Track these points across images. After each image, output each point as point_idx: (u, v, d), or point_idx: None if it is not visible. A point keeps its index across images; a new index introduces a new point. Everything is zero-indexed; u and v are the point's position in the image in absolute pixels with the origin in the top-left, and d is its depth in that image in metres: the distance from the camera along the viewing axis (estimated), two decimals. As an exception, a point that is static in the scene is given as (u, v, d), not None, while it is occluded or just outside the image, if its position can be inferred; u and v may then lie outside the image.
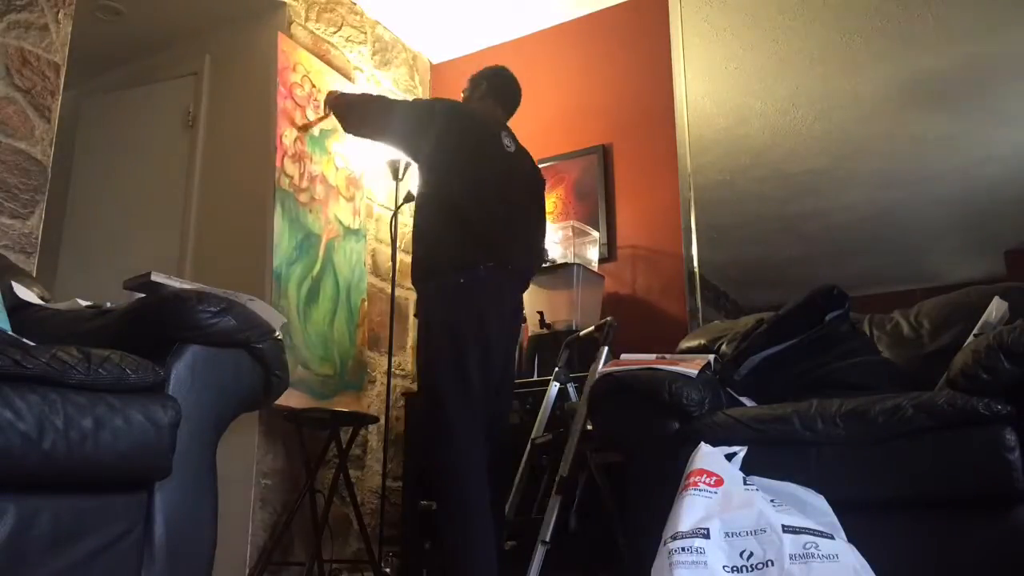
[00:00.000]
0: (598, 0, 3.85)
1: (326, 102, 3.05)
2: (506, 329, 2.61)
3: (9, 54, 2.49)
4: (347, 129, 2.93)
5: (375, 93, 3.25)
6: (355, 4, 3.86)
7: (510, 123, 2.88)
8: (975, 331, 2.13)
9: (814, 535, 1.61)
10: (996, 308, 2.14)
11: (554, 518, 2.47)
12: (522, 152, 2.83)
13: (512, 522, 2.72)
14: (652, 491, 2.08)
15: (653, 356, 2.30)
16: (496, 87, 2.88)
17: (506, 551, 2.66)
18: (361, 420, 3.17)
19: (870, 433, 1.80)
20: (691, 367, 2.15)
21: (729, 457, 1.85)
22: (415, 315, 2.66)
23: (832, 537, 1.63)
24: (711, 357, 2.32)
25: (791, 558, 1.56)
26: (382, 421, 3.36)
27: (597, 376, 2.36)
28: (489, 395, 2.49)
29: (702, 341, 2.66)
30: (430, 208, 2.64)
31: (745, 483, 1.76)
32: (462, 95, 2.94)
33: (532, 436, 2.84)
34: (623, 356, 2.34)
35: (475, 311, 2.48)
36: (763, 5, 3.80)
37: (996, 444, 1.68)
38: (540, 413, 2.87)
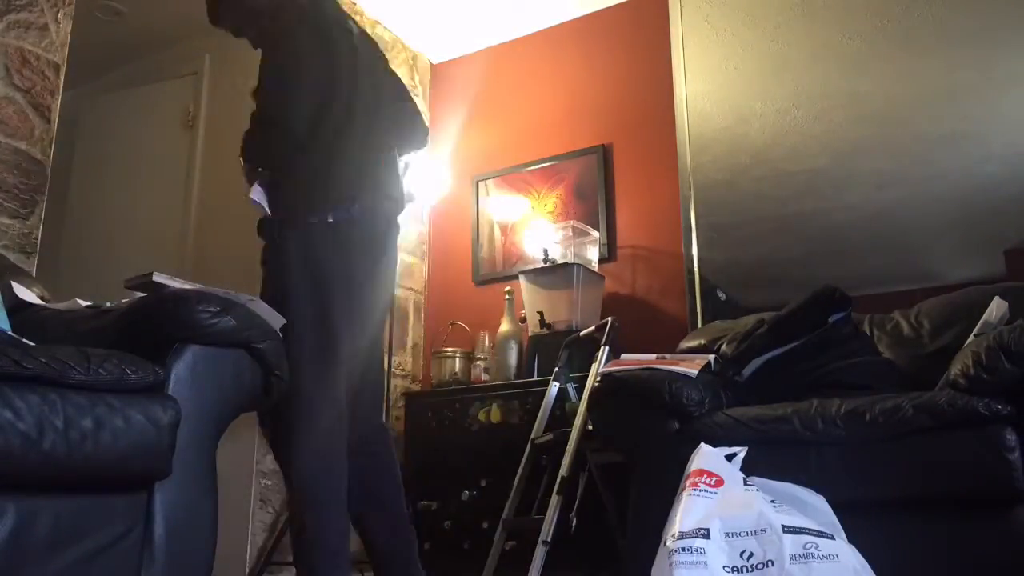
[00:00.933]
0: (598, 0, 3.85)
1: None
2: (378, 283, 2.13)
3: (9, 54, 2.49)
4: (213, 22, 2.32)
5: None
6: (355, 4, 3.86)
7: None
8: (975, 331, 2.13)
9: (814, 535, 1.61)
10: (996, 308, 2.14)
11: (555, 518, 2.47)
12: (361, 30, 2.30)
13: (512, 522, 2.73)
14: (652, 491, 2.08)
15: (653, 356, 2.30)
16: None
17: (506, 551, 2.66)
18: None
19: (870, 433, 1.80)
20: (691, 367, 2.15)
21: (729, 458, 1.85)
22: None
23: (832, 537, 1.63)
24: (711, 357, 2.32)
25: (791, 558, 1.57)
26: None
27: (598, 376, 2.37)
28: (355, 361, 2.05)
29: (702, 341, 2.67)
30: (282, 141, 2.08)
31: (745, 483, 1.76)
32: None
33: (532, 436, 2.84)
34: (623, 356, 2.34)
35: (343, 257, 2.03)
36: (763, 5, 3.80)
37: (996, 444, 1.68)
38: (540, 413, 2.87)
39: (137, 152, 3.65)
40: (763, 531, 1.63)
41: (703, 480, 1.76)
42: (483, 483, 3.10)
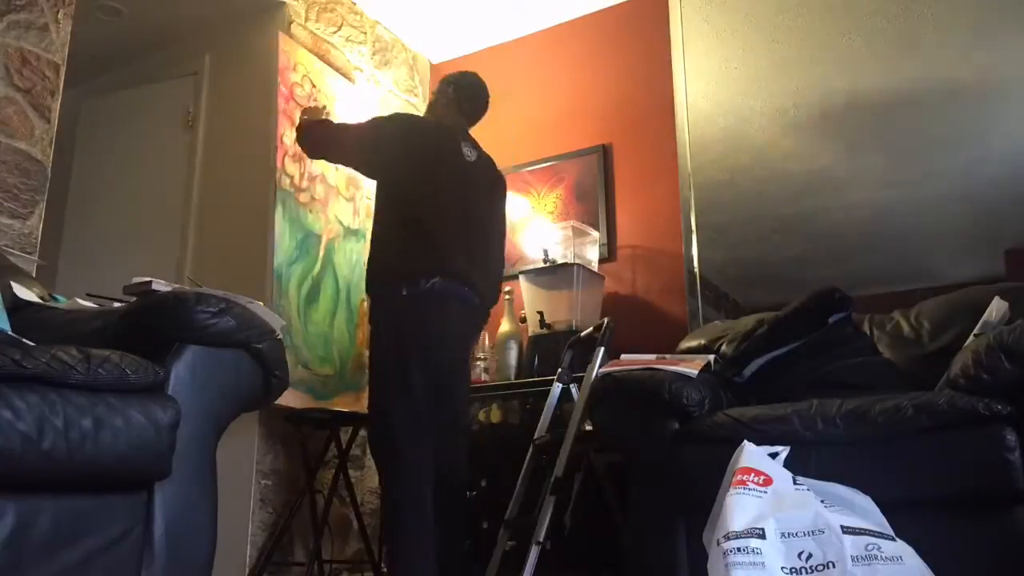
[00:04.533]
0: (598, 0, 3.85)
1: (296, 129, 3.04)
2: (449, 350, 2.59)
3: (9, 54, 2.49)
4: (309, 155, 2.99)
5: (340, 120, 3.14)
6: (355, 4, 3.86)
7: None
8: (975, 331, 2.12)
9: (875, 536, 1.59)
10: (996, 308, 2.14)
11: (548, 518, 2.47)
12: (484, 160, 2.86)
13: (515, 523, 2.73)
14: (652, 491, 2.08)
15: (653, 356, 2.30)
16: (461, 95, 2.91)
17: (506, 551, 2.66)
18: (361, 420, 3.17)
19: (870, 433, 1.80)
20: (691, 367, 2.15)
21: (771, 457, 1.83)
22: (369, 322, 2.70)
23: (893, 539, 1.60)
24: (711, 357, 2.32)
25: (853, 560, 1.54)
26: (382, 421, 3.36)
27: (597, 376, 2.36)
28: (435, 417, 2.52)
29: (702, 341, 2.66)
30: (385, 217, 2.70)
31: (795, 483, 1.73)
32: (431, 95, 3.04)
33: (534, 437, 2.84)
34: (623, 356, 2.34)
35: (419, 325, 2.51)
36: (763, 5, 3.80)
37: (996, 444, 1.68)
38: (543, 414, 2.86)
39: (137, 152, 3.65)
40: (821, 532, 1.59)
41: (751, 479, 1.72)
42: (483, 483, 3.10)
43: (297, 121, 3.06)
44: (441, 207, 2.63)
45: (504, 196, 2.95)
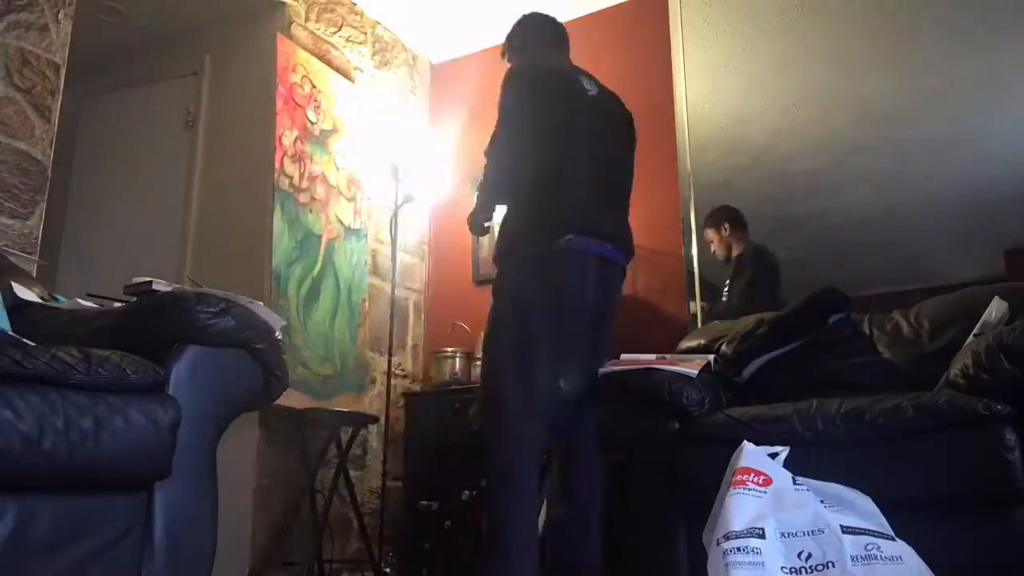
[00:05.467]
0: (598, 0, 3.85)
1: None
2: (585, 310, 2.29)
3: (9, 54, 2.49)
4: (488, 220, 2.53)
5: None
6: (355, 4, 3.86)
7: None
8: (975, 331, 2.12)
9: (875, 536, 1.59)
10: (996, 308, 2.14)
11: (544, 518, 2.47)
12: (607, 94, 2.56)
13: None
14: (652, 491, 2.08)
15: (653, 356, 2.30)
16: (537, 29, 2.60)
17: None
18: (361, 420, 3.17)
19: (870, 434, 1.80)
20: (691, 367, 2.15)
21: (770, 457, 1.83)
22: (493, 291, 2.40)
23: (893, 539, 1.60)
24: (711, 357, 2.32)
25: (853, 559, 1.54)
26: (382, 421, 3.36)
27: (598, 376, 2.36)
28: (556, 378, 2.25)
29: (702, 341, 2.67)
30: (522, 180, 2.35)
31: (795, 483, 1.73)
32: (505, 59, 2.64)
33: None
34: (623, 356, 2.34)
35: (551, 285, 2.23)
36: (763, 5, 3.79)
37: (996, 444, 1.68)
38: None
39: (137, 152, 3.65)
40: (821, 531, 1.60)
41: (750, 479, 1.72)
42: (483, 483, 3.09)
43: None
44: (577, 154, 2.36)
45: (634, 137, 2.68)
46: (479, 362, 3.46)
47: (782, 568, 1.58)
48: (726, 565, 1.59)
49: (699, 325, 3.26)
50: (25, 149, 2.49)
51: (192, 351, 1.66)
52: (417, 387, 3.83)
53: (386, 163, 3.57)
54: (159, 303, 1.69)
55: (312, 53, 3.50)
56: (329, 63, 3.60)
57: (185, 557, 1.60)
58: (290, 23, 3.46)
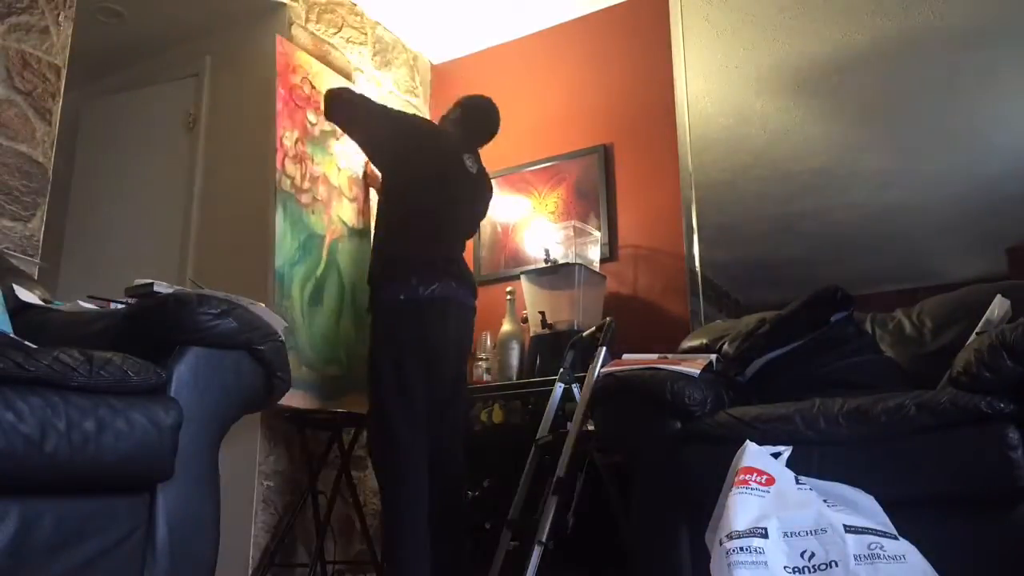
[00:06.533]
0: (598, 0, 3.85)
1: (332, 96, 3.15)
2: (448, 357, 2.72)
3: (10, 56, 2.49)
4: (327, 117, 3.12)
5: (375, 100, 3.30)
6: (355, 5, 3.86)
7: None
8: (977, 329, 2.12)
9: (878, 535, 1.58)
10: (998, 306, 2.13)
11: (551, 518, 2.47)
12: (481, 175, 3.08)
13: (515, 522, 2.73)
14: (654, 491, 2.08)
15: (655, 356, 2.30)
16: (466, 117, 3.12)
17: (509, 551, 2.66)
18: (363, 420, 3.17)
19: (873, 432, 1.80)
20: (693, 367, 2.14)
21: (773, 456, 1.83)
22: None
23: (896, 538, 1.60)
24: (713, 357, 2.31)
25: (856, 559, 1.54)
26: (384, 422, 3.36)
27: (599, 376, 2.36)
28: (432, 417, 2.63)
29: (704, 341, 2.66)
30: (389, 213, 2.88)
31: (798, 482, 1.73)
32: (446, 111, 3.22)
33: (536, 437, 2.84)
34: (625, 356, 2.34)
35: (418, 330, 2.65)
36: (763, 5, 3.79)
37: (999, 442, 1.68)
38: (545, 414, 2.86)
39: (138, 154, 3.65)
40: (823, 531, 1.59)
41: (753, 478, 1.72)
42: (485, 483, 3.10)
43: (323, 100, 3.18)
44: (441, 213, 2.85)
45: (488, 204, 3.18)
46: (481, 362, 3.47)
47: (785, 568, 1.58)
48: (729, 565, 1.59)
49: (701, 324, 3.26)
50: (26, 152, 2.49)
51: (194, 353, 1.66)
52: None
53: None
54: (160, 305, 1.69)
55: (312, 54, 3.50)
56: (329, 64, 3.60)
57: (187, 558, 1.60)
58: (290, 24, 3.46)
